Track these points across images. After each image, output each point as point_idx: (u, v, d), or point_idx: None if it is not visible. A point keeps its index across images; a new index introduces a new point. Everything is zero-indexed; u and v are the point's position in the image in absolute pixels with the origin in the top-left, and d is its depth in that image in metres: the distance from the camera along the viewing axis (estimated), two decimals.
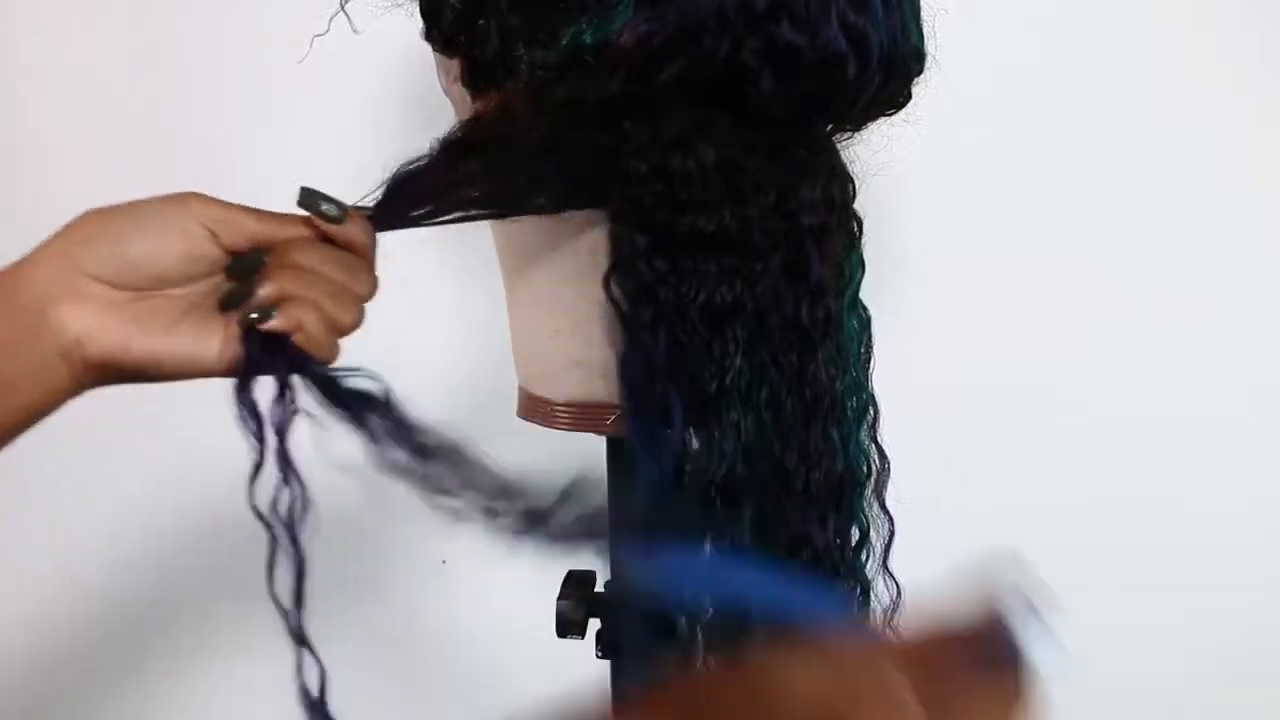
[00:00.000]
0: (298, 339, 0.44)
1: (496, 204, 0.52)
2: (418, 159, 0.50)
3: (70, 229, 0.44)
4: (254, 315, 0.44)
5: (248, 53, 0.95)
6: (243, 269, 0.45)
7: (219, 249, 0.45)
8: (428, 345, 0.98)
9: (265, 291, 0.44)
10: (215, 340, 0.44)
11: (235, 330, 0.44)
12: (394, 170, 0.50)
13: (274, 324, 0.44)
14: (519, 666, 1.07)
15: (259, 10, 0.94)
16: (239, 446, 0.44)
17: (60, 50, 0.99)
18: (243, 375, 0.44)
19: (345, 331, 0.46)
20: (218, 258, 0.45)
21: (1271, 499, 1.02)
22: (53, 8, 0.98)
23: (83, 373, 0.43)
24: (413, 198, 0.50)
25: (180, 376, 0.45)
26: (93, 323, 0.43)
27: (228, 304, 0.45)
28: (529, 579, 0.86)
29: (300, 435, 1.08)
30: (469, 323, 0.94)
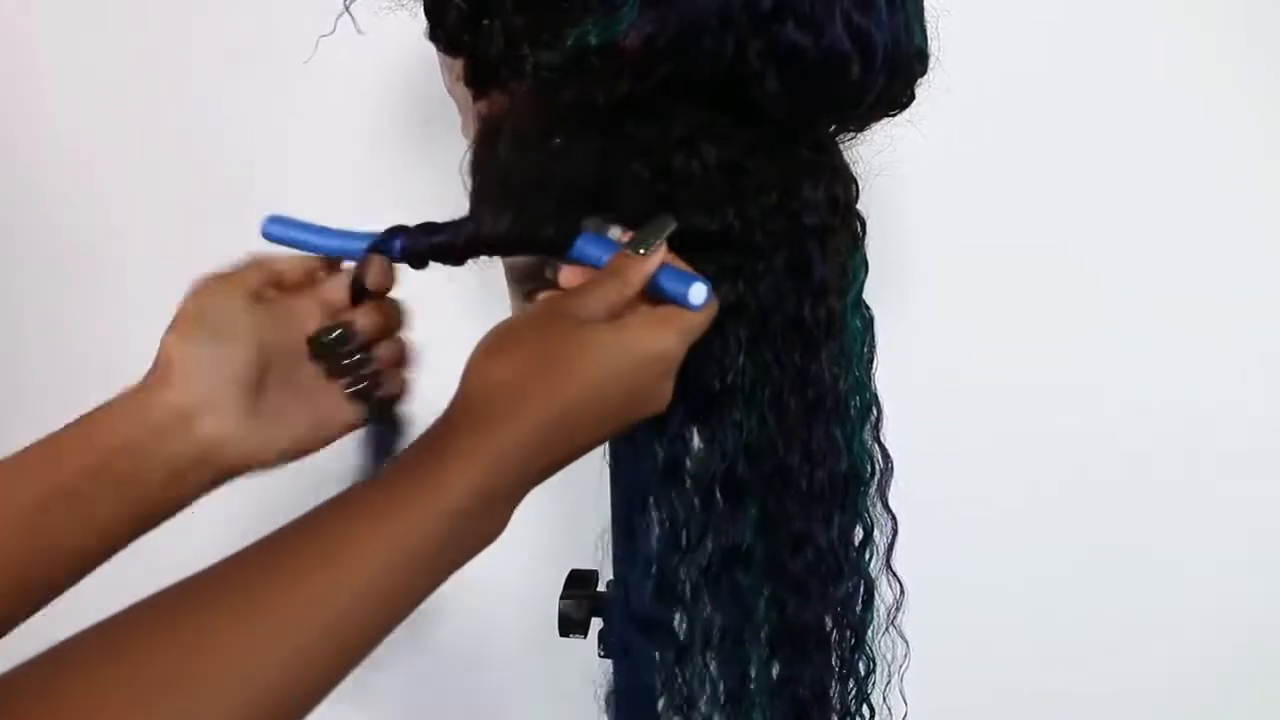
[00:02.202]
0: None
1: (509, 247, 0.52)
2: (443, 228, 0.52)
3: (178, 341, 0.47)
4: (376, 393, 0.52)
5: (253, 53, 0.95)
6: (327, 345, 0.51)
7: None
8: (430, 345, 0.99)
9: (376, 368, 0.53)
10: (329, 415, 0.51)
11: (344, 401, 0.52)
12: (416, 231, 0.52)
13: (391, 390, 0.53)
14: (520, 666, 1.07)
15: (264, 11, 0.94)
16: None
17: (65, 51, 0.99)
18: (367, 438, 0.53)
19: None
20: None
21: (1274, 498, 1.02)
22: (58, 8, 0.98)
23: (218, 475, 0.47)
24: (438, 254, 0.52)
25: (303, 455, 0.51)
26: (232, 431, 0.46)
27: (354, 391, 0.52)
28: (531, 578, 0.87)
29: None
30: (470, 321, 0.94)
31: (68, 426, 0.46)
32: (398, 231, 0.53)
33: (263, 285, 0.50)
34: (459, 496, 0.39)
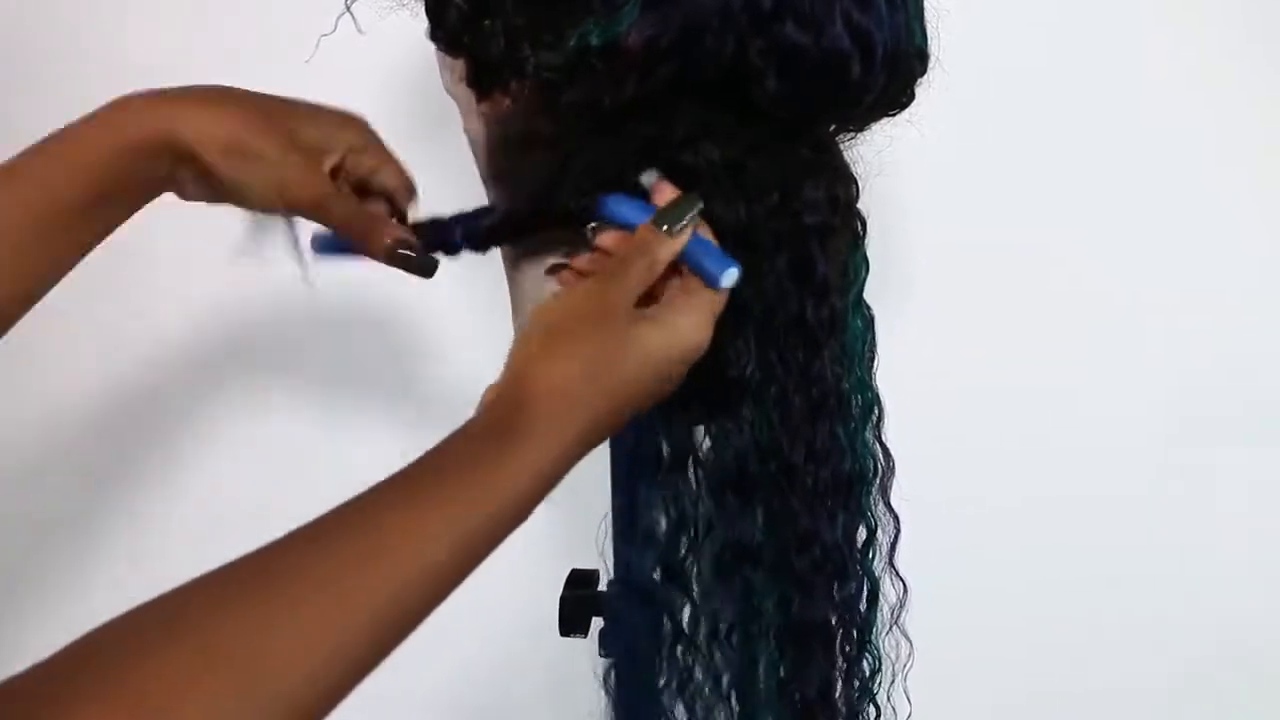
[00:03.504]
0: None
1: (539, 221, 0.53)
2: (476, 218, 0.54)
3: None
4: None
5: (253, 52, 0.95)
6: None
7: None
8: (431, 341, 0.99)
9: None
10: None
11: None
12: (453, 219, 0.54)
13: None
14: (520, 666, 1.07)
15: (265, 10, 0.94)
16: None
17: (64, 51, 0.99)
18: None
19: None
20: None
21: (1275, 498, 1.02)
22: (57, 8, 0.98)
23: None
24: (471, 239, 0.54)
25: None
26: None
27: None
28: (531, 578, 0.87)
29: (305, 438, 1.08)
30: (472, 319, 0.94)
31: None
32: (457, 222, 0.54)
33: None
34: (514, 495, 0.41)
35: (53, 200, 0.50)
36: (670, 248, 0.48)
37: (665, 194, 0.50)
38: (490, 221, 0.53)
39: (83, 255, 0.53)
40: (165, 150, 0.51)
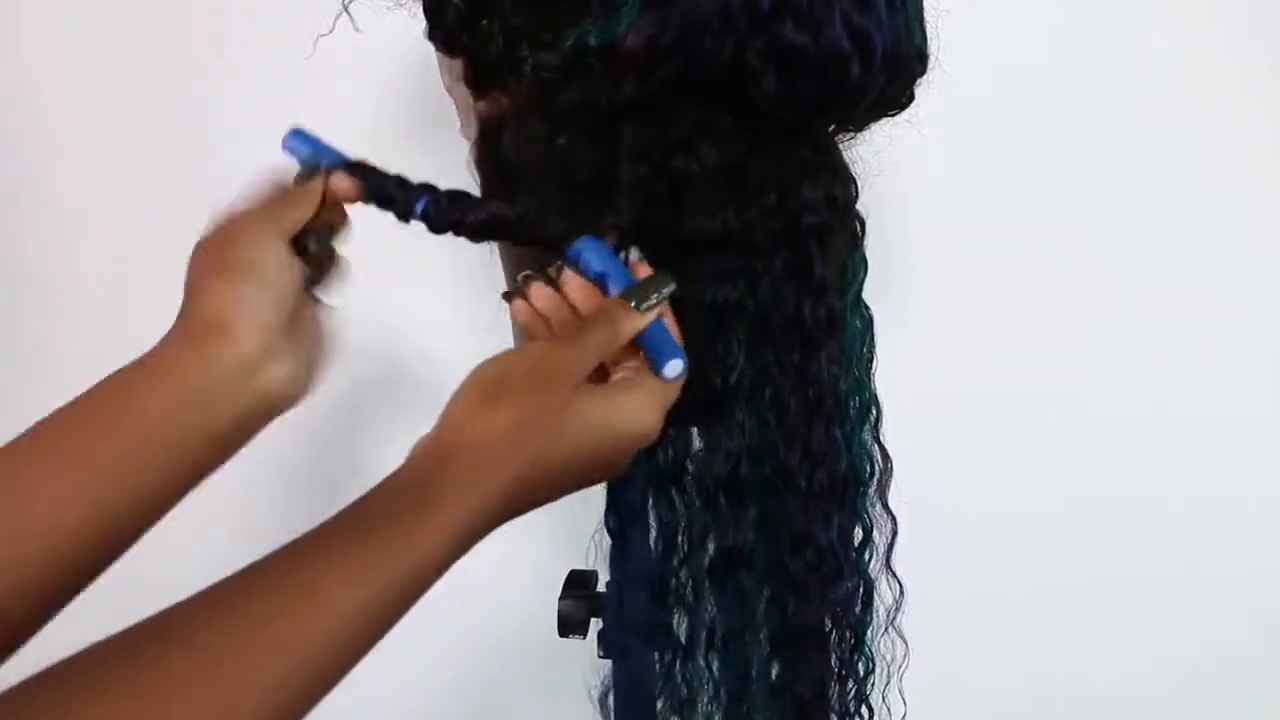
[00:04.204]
0: None
1: (516, 235, 0.53)
2: (468, 205, 0.52)
3: (222, 290, 0.47)
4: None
5: (252, 52, 0.95)
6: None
7: None
8: (432, 344, 0.99)
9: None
10: (325, 330, 0.51)
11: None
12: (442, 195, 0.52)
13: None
14: (520, 666, 1.07)
15: (263, 10, 0.94)
16: None
17: (64, 50, 0.99)
18: None
19: None
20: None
21: (1275, 499, 1.02)
22: (57, 7, 0.98)
23: (272, 415, 0.48)
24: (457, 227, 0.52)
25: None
26: (287, 374, 0.47)
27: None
28: (530, 578, 0.87)
29: (304, 443, 1.08)
30: (471, 322, 0.94)
31: (127, 374, 0.46)
32: (426, 191, 0.52)
33: (294, 226, 0.50)
34: (428, 557, 0.40)
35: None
36: (635, 324, 0.47)
37: (643, 271, 0.50)
38: (473, 215, 0.52)
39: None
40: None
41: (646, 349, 0.48)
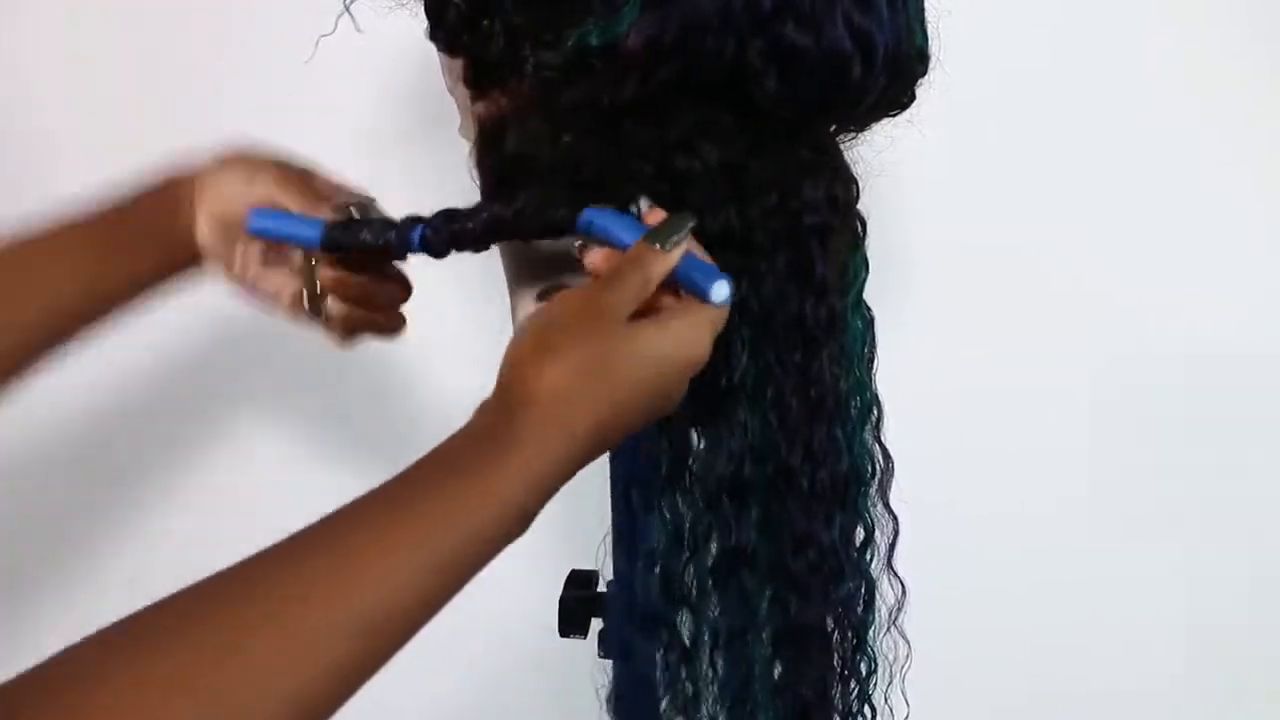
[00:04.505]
0: None
1: (523, 229, 0.53)
2: (461, 214, 0.53)
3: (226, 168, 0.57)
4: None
5: (253, 53, 0.95)
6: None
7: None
8: (433, 346, 0.98)
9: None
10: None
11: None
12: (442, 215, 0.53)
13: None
14: (520, 666, 1.07)
15: (264, 10, 0.94)
16: None
17: (64, 50, 0.99)
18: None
19: None
20: None
21: (1275, 499, 1.02)
22: (57, 7, 0.98)
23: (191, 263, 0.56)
24: (458, 240, 0.53)
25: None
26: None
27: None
28: (530, 578, 0.87)
29: (302, 445, 1.08)
30: (473, 323, 0.94)
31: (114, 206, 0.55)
32: (417, 221, 0.53)
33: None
34: (506, 506, 0.39)
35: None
36: (664, 263, 0.47)
37: (658, 216, 0.50)
38: (472, 224, 0.52)
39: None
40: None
41: (686, 285, 0.48)
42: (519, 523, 0.40)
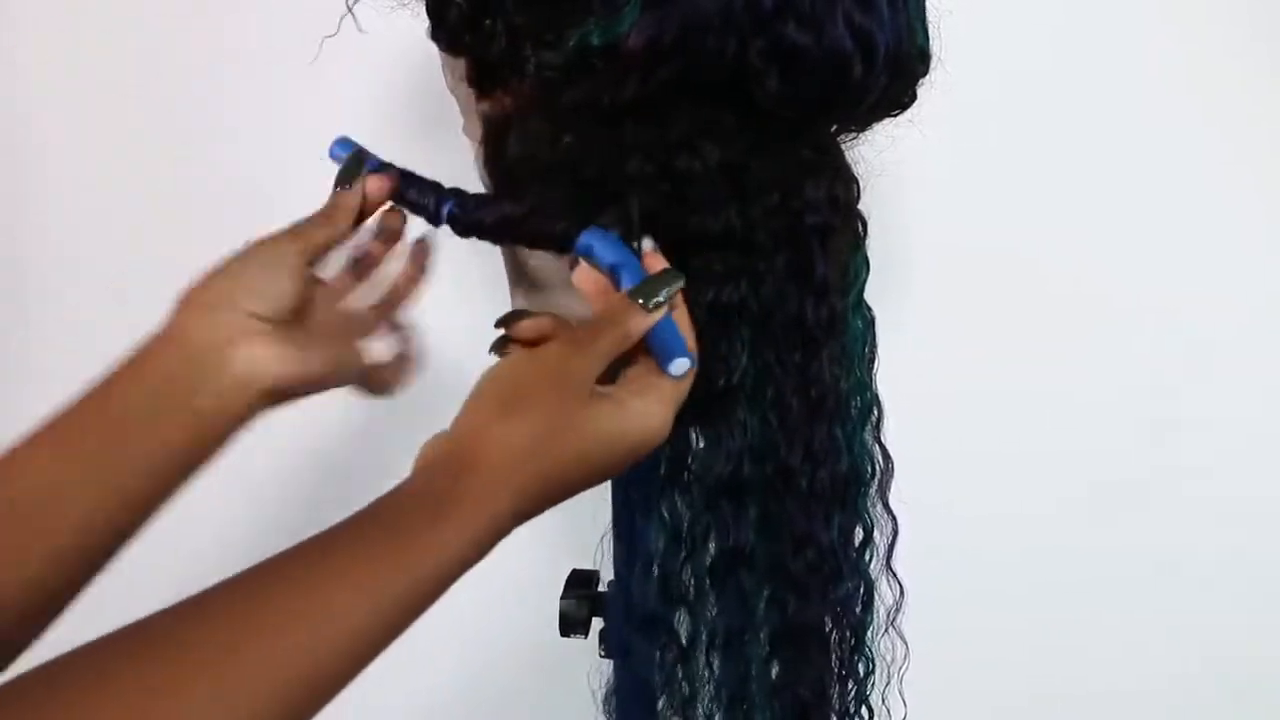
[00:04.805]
0: None
1: (525, 235, 0.53)
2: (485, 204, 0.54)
3: (206, 285, 0.49)
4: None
5: (255, 53, 0.95)
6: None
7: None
8: (434, 345, 0.99)
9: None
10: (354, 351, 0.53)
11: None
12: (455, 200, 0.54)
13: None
14: (520, 666, 1.07)
15: (266, 11, 0.94)
16: None
17: (66, 50, 0.99)
18: None
19: None
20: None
21: (1275, 499, 1.02)
22: (58, 7, 0.98)
23: (257, 399, 0.48)
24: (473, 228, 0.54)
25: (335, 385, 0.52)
26: (264, 354, 0.47)
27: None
28: (531, 578, 0.87)
29: (304, 451, 1.08)
30: (474, 322, 0.94)
31: (115, 367, 0.47)
32: (451, 195, 0.54)
33: (327, 242, 0.52)
34: (443, 565, 0.40)
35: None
36: (644, 323, 0.47)
37: (656, 263, 0.50)
38: (484, 217, 0.53)
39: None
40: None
41: (652, 347, 0.48)
42: (448, 583, 0.40)
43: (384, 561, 0.38)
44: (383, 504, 0.41)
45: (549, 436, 0.43)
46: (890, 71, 0.51)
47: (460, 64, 0.54)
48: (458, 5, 0.51)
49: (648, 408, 0.47)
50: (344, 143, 0.56)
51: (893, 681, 0.62)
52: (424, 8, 0.53)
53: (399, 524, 0.40)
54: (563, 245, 0.52)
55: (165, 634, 0.34)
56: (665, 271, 0.49)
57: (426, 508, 0.41)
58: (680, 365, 0.48)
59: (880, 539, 0.59)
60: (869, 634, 0.60)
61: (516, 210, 0.52)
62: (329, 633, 0.36)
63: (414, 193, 0.55)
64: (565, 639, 0.70)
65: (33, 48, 0.99)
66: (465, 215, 0.53)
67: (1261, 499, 1.01)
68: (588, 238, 0.50)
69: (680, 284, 0.49)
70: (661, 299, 0.48)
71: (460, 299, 0.94)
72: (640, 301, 0.48)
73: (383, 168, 0.55)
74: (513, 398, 0.44)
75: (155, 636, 0.34)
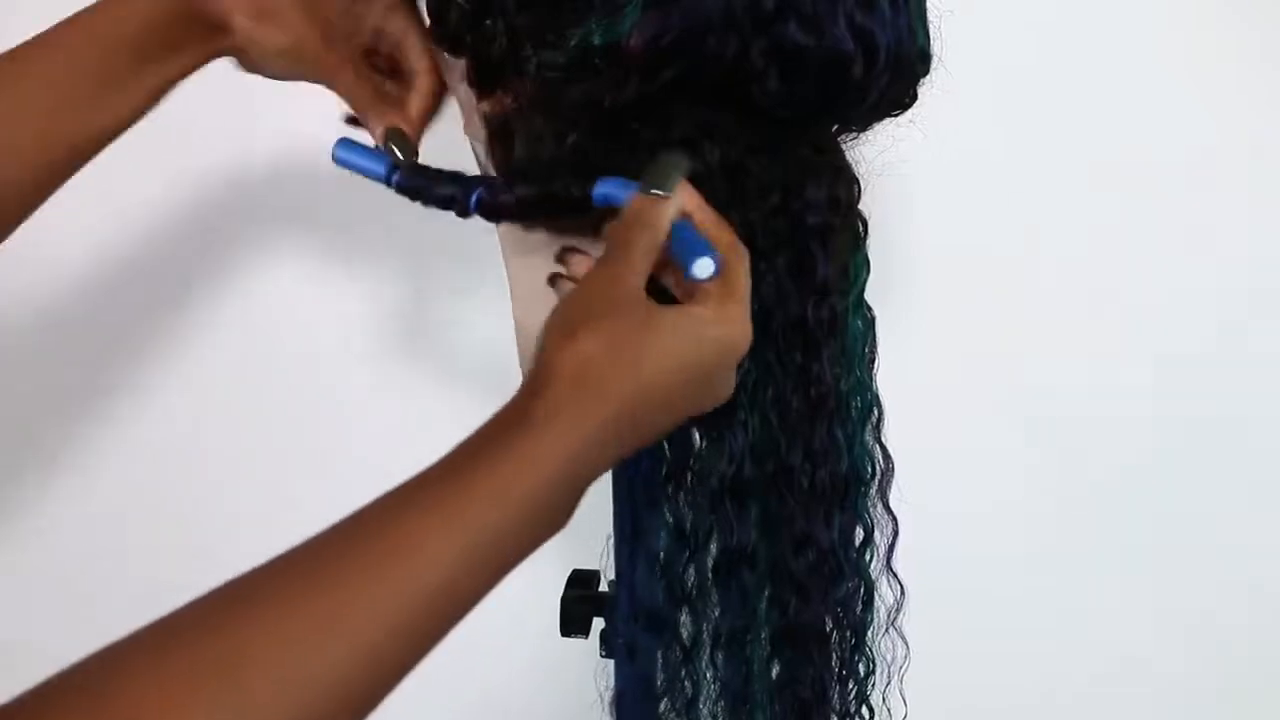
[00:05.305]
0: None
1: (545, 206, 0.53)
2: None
3: None
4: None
5: None
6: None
7: None
8: (433, 342, 0.99)
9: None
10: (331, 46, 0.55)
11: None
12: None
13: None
14: (520, 666, 1.07)
15: None
16: None
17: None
18: None
19: None
20: None
21: (1276, 500, 1.02)
22: (55, 7, 0.98)
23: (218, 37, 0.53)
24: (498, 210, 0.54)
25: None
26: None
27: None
28: (531, 578, 0.86)
29: (304, 448, 1.07)
30: (474, 319, 0.94)
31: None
32: (476, 184, 0.54)
33: None
34: (534, 492, 0.38)
35: (88, 67, 0.50)
36: (667, 212, 0.47)
37: None
38: (506, 198, 0.53)
39: (118, 129, 0.53)
40: (198, 17, 0.52)
41: (675, 259, 0.47)
42: (547, 511, 0.39)
43: (466, 497, 0.37)
44: (469, 439, 0.40)
45: (618, 345, 0.42)
46: (891, 72, 0.51)
47: (461, 64, 0.54)
48: (459, 6, 0.51)
49: (719, 314, 0.45)
50: (346, 144, 0.56)
51: (893, 681, 0.62)
52: (425, 8, 0.53)
53: (481, 452, 0.39)
54: (583, 206, 0.52)
55: (252, 592, 0.34)
56: (664, 156, 0.49)
57: (508, 434, 0.39)
58: (703, 265, 0.46)
59: (880, 539, 0.59)
60: (869, 634, 0.60)
61: (531, 191, 0.52)
62: (420, 578, 0.35)
63: (443, 192, 0.55)
64: (565, 639, 0.70)
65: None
66: (494, 198, 0.53)
67: (1262, 498, 1.01)
68: (601, 187, 0.50)
69: (685, 164, 0.49)
70: (675, 178, 0.47)
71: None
72: (654, 192, 0.47)
73: (406, 170, 0.55)
74: (573, 318, 0.43)
75: (239, 597, 0.34)
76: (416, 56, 0.57)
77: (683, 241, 0.47)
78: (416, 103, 0.58)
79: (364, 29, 0.56)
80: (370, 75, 0.57)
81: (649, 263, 0.46)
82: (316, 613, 0.33)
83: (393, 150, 0.55)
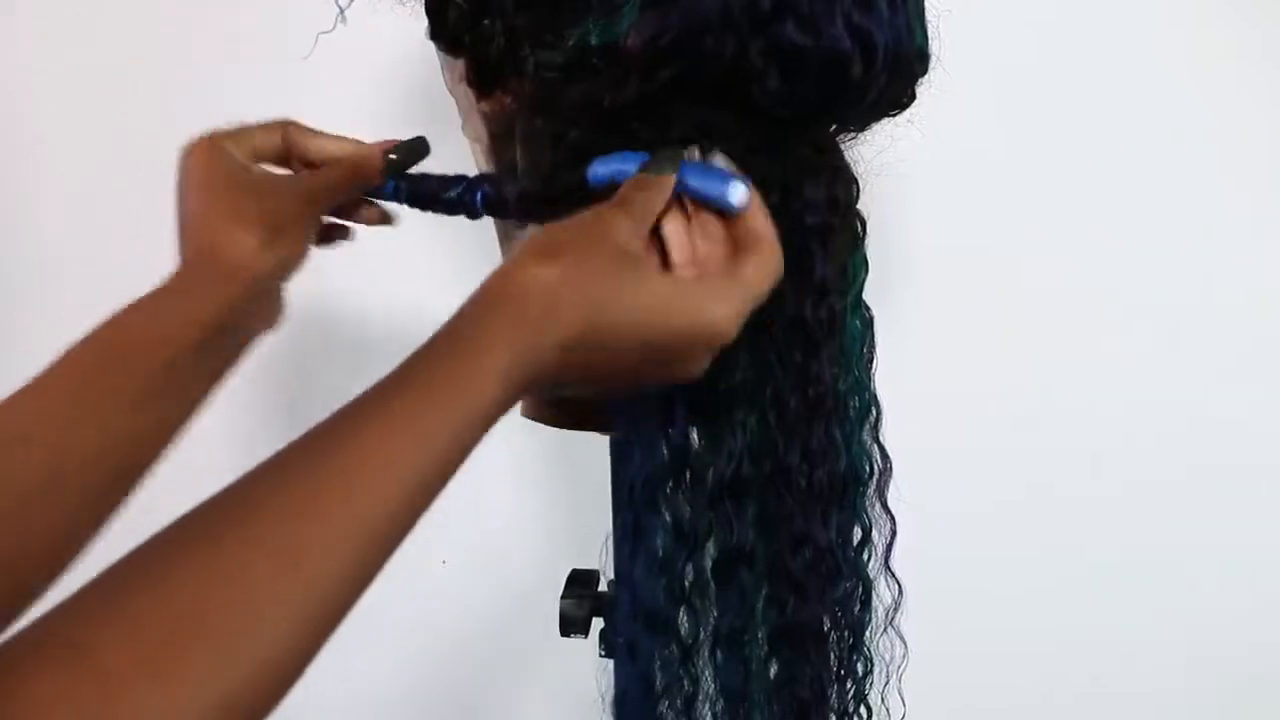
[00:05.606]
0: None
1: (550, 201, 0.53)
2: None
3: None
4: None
5: (252, 50, 0.95)
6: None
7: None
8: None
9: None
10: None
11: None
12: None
13: None
14: (520, 666, 1.07)
15: (264, 7, 0.94)
16: None
17: (62, 48, 0.99)
18: None
19: None
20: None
21: (1275, 501, 1.02)
22: (55, 5, 0.98)
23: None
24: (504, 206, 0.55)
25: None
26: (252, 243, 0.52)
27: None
28: (531, 578, 0.87)
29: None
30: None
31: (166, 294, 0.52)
32: (478, 183, 0.55)
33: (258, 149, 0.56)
34: (490, 393, 0.38)
35: (165, 356, 0.49)
36: (665, 184, 0.47)
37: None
38: (511, 190, 0.54)
39: (195, 409, 0.52)
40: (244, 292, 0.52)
41: (702, 197, 0.47)
42: (486, 423, 0.39)
43: (419, 407, 0.37)
44: (414, 355, 0.40)
45: (582, 275, 0.41)
46: (889, 71, 0.51)
47: (460, 64, 0.55)
48: (457, 6, 0.51)
49: (711, 295, 0.44)
50: None
51: (892, 681, 0.62)
52: (423, 7, 0.53)
53: (429, 369, 0.39)
54: (585, 195, 0.51)
55: (230, 510, 0.34)
56: (668, 149, 0.49)
57: (451, 349, 0.39)
58: (737, 190, 0.45)
59: (878, 538, 0.59)
60: (867, 633, 0.60)
61: (534, 185, 0.53)
62: (386, 490, 0.35)
63: (452, 190, 0.55)
64: (565, 639, 0.70)
65: (28, 42, 0.99)
66: (497, 193, 0.54)
67: (1262, 498, 1.01)
68: (595, 167, 0.50)
69: (682, 153, 0.48)
70: (673, 166, 0.47)
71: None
72: (653, 173, 0.47)
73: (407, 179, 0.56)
74: (548, 244, 0.43)
75: (220, 514, 0.34)
76: (333, 150, 0.58)
77: (705, 176, 0.47)
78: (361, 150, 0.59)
79: (284, 185, 0.56)
80: (322, 188, 0.57)
81: (646, 220, 0.45)
82: (280, 543, 0.33)
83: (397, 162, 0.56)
